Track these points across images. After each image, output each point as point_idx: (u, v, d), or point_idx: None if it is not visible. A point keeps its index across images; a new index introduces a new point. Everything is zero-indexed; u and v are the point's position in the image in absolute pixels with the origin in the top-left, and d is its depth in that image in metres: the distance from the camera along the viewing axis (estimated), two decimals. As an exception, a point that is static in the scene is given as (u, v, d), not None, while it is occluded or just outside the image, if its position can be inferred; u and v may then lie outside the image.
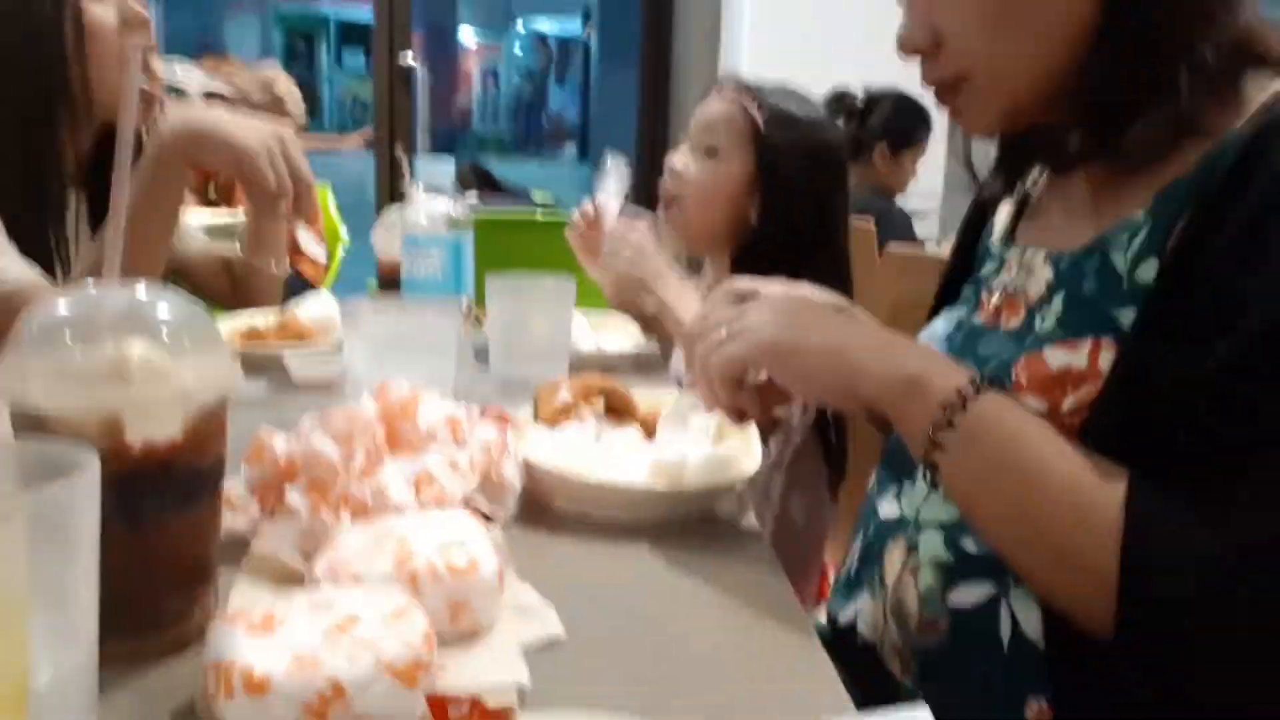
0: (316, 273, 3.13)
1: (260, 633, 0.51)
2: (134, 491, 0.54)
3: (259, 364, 1.18)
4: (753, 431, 0.93)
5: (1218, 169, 0.67)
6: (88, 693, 0.44)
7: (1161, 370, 0.65)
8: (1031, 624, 0.72)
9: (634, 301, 1.56)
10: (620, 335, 1.48)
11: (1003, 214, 0.92)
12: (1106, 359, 0.70)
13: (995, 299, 0.84)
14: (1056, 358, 0.72)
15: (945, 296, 0.97)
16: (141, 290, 0.60)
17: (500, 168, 5.17)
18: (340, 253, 3.47)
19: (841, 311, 0.76)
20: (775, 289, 0.84)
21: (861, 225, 2.42)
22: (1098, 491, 0.63)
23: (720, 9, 3.64)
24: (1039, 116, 0.77)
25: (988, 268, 0.89)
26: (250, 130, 1.15)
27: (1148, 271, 0.70)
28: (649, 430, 0.97)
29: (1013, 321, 0.80)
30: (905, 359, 0.71)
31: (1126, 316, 0.70)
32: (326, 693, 0.48)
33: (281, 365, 1.17)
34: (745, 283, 0.88)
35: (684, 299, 1.41)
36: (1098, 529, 0.62)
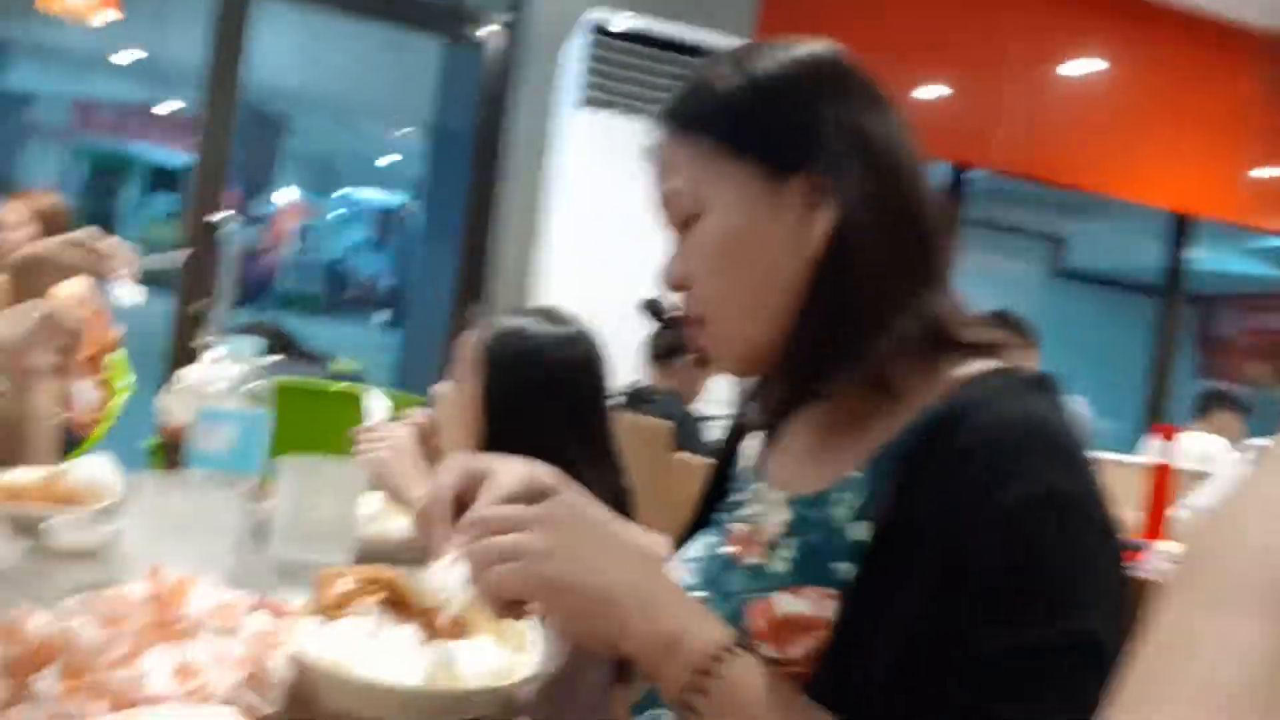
0: (90, 422, 2.94)
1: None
2: None
3: (18, 526, 1.11)
4: (534, 634, 0.95)
5: (918, 439, 0.76)
6: None
7: (878, 625, 0.72)
8: None
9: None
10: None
11: (753, 443, 1.00)
12: (829, 608, 0.76)
13: (740, 530, 0.90)
14: (785, 604, 0.78)
15: (702, 515, 1.03)
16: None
17: (307, 327, 5.09)
18: (122, 402, 3.28)
19: (619, 547, 0.76)
20: (555, 509, 0.76)
21: (658, 425, 2.54)
22: None
23: (538, 200, 3.84)
24: (776, 364, 0.86)
25: (737, 495, 0.97)
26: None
27: (860, 531, 0.78)
28: (430, 625, 0.97)
29: (752, 558, 0.86)
30: (666, 618, 0.72)
31: (847, 571, 0.77)
32: None
33: (40, 529, 1.11)
34: (475, 462, 0.84)
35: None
36: None
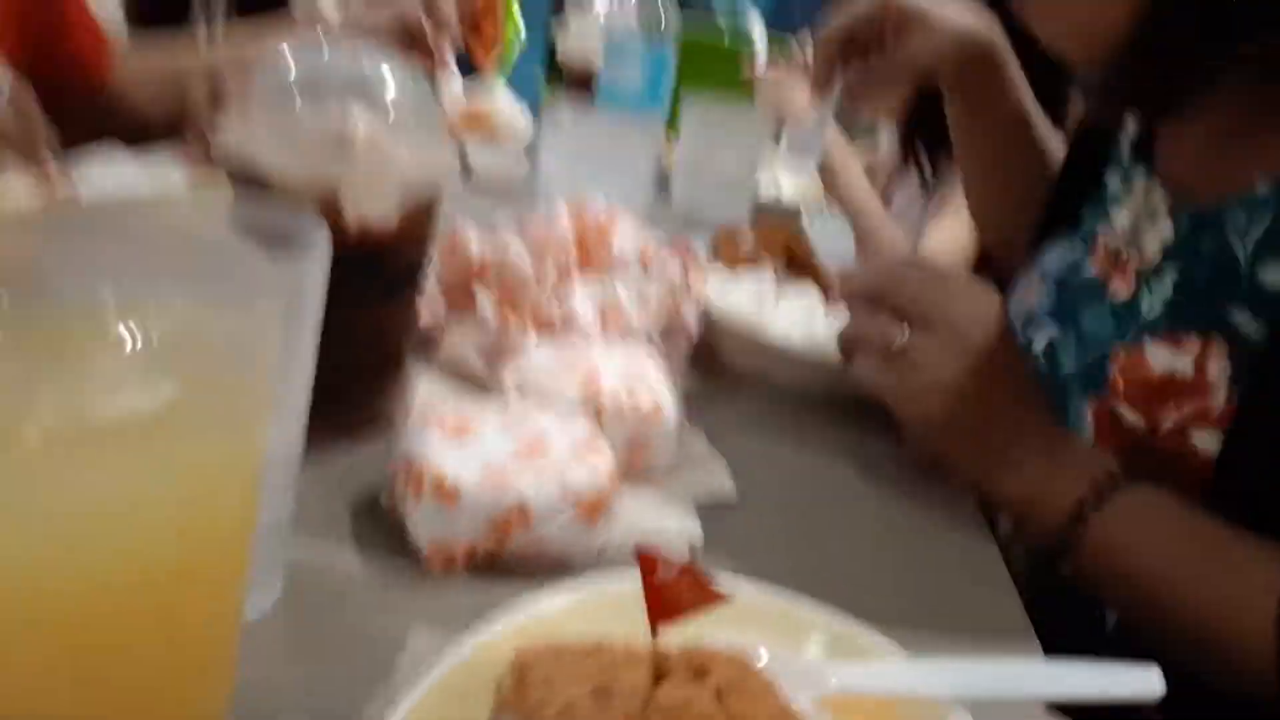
0: (486, 60, 3.07)
1: (453, 437, 0.50)
2: (341, 273, 0.52)
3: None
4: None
5: None
6: (292, 469, 0.43)
7: None
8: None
9: None
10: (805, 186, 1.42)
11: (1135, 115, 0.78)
12: (1216, 368, 0.60)
13: (1110, 243, 0.73)
14: (1159, 357, 0.63)
15: (1062, 208, 0.84)
16: (369, 57, 0.57)
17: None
18: (515, 49, 3.38)
19: (1006, 387, 0.63)
20: (961, 322, 0.63)
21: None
22: (1242, 614, 0.55)
23: None
24: (1127, 52, 0.64)
25: (1113, 184, 0.78)
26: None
27: (1274, 275, 0.59)
28: (827, 291, 0.92)
29: (1120, 289, 0.70)
30: (1022, 481, 0.62)
31: (1244, 321, 0.60)
32: (513, 512, 0.48)
33: (462, 157, 1.15)
34: (923, 273, 0.67)
35: (847, 165, 1.43)
36: (1247, 652, 0.54)
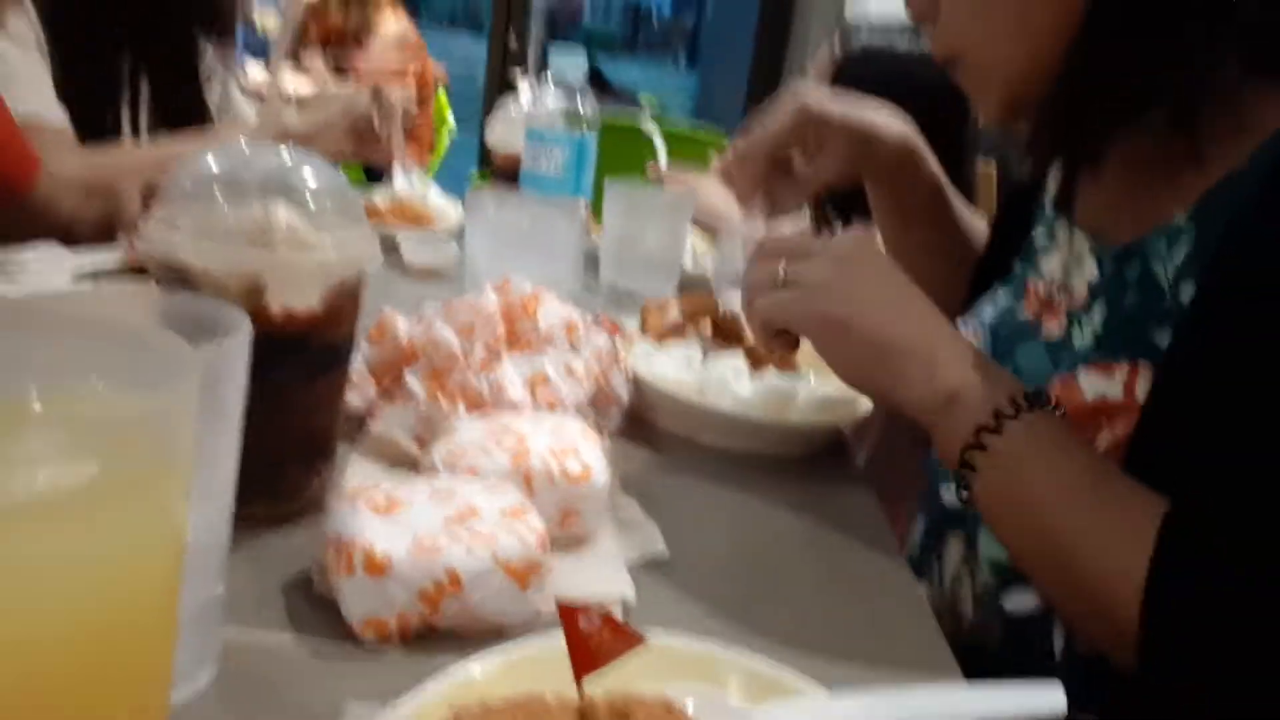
0: (420, 157, 3.14)
1: (382, 514, 0.51)
2: (267, 358, 0.54)
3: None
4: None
5: (1269, 172, 0.59)
6: (220, 552, 0.44)
7: (1199, 406, 0.59)
8: (1084, 639, 0.67)
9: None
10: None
11: (1055, 171, 0.84)
12: (1144, 387, 0.63)
13: (1040, 290, 0.77)
14: (1091, 384, 0.66)
15: (994, 262, 0.89)
16: (289, 154, 0.59)
17: (607, 67, 5.13)
18: (446, 141, 3.46)
19: (903, 292, 0.67)
20: (835, 244, 0.70)
21: (986, 171, 2.33)
22: (1122, 543, 0.57)
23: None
24: (1048, 105, 0.69)
25: (1039, 237, 0.82)
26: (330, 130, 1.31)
27: (1190, 292, 0.62)
28: (754, 358, 0.95)
29: (1053, 328, 0.74)
30: (948, 373, 0.63)
31: (1166, 340, 0.63)
32: (443, 581, 0.49)
33: (393, 246, 1.17)
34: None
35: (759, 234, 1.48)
36: (1120, 583, 0.56)
